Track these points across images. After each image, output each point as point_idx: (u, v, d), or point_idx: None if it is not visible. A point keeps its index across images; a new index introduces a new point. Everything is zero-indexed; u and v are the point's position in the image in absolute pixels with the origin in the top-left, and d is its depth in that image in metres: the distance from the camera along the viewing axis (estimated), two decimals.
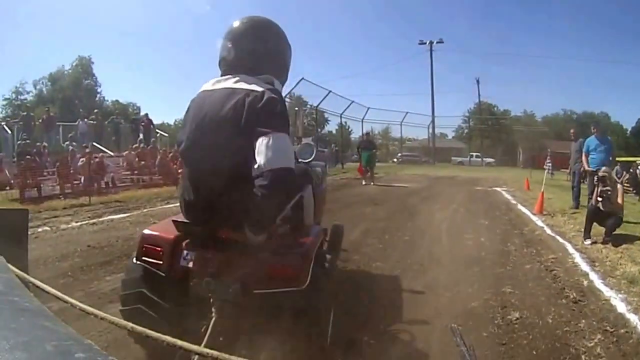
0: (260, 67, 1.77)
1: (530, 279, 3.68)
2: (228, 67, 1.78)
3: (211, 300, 1.69)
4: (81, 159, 10.41)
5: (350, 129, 35.28)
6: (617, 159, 15.43)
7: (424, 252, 4.59)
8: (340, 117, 26.65)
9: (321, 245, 2.19)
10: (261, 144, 1.55)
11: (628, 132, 41.64)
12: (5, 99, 33.08)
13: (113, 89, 67.47)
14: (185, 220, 1.82)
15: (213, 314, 1.66)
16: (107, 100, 37.57)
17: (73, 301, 1.00)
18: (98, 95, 37.39)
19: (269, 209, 1.63)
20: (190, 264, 1.75)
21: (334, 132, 34.96)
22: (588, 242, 5.02)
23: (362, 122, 28.51)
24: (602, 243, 4.93)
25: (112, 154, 13.91)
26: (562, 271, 3.91)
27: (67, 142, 12.99)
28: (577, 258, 4.41)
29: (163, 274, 1.78)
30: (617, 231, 5.04)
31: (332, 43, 72.12)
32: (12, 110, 22.57)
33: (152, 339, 0.78)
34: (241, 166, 1.61)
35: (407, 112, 33.61)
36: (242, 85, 1.67)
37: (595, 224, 5.15)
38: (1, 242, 1.18)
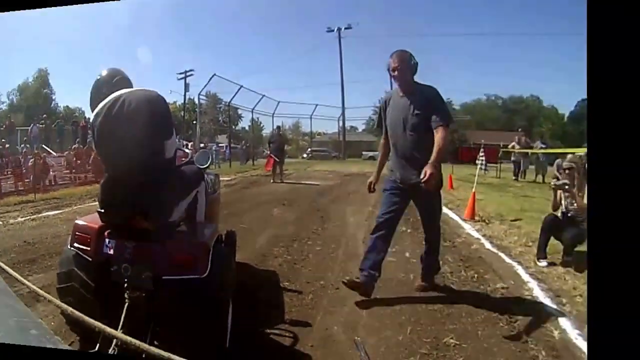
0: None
1: (479, 323, 2.73)
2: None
3: (126, 285, 1.86)
4: (30, 160, 11.85)
5: (262, 125, 33.65)
6: (554, 150, 12.89)
7: (339, 270, 3.88)
8: (252, 112, 25.64)
9: (217, 241, 2.40)
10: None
11: (565, 118, 33.07)
12: None
13: (68, 96, 62.14)
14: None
15: (127, 299, 1.83)
16: (60, 106, 40.07)
17: (29, 284, 1.41)
18: (53, 102, 40.89)
19: (164, 197, 1.94)
20: (111, 251, 1.94)
21: (247, 128, 33.55)
22: (543, 263, 3.99)
23: (273, 116, 27.29)
24: (561, 264, 3.90)
25: (55, 154, 15.46)
26: (519, 311, 2.91)
27: (22, 145, 15.13)
28: (535, 289, 3.38)
29: (90, 259, 1.98)
30: (578, 247, 3.91)
31: (243, 37, 67.58)
32: None
33: (86, 323, 1.02)
34: (151, 157, 1.91)
35: (316, 105, 32.56)
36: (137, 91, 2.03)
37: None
38: None
